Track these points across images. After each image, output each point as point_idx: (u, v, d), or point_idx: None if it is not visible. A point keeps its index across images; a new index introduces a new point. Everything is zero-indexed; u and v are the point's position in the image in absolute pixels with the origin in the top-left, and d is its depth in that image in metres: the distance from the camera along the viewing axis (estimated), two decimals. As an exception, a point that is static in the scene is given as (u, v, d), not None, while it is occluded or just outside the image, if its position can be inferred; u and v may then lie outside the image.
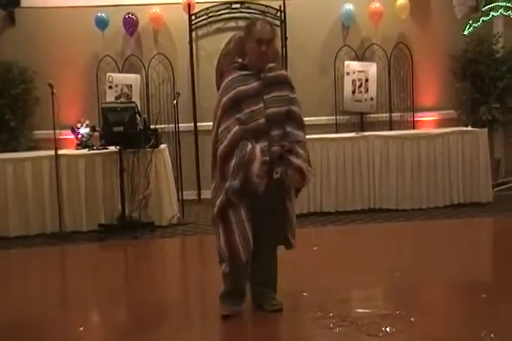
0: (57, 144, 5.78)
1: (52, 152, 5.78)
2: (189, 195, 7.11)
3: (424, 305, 3.67)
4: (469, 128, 6.64)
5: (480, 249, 5.00)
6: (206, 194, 7.41)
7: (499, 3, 7.05)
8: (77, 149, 6.28)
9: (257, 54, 3.31)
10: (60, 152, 5.87)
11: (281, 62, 3.28)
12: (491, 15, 6.99)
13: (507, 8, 6.95)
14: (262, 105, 3.30)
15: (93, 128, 6.35)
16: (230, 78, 3.35)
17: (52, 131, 5.74)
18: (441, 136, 6.37)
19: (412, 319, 3.33)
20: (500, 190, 6.88)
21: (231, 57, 3.42)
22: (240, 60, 3.39)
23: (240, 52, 3.38)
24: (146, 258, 5.20)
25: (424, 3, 7.54)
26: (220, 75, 3.42)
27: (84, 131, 6.40)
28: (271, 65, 3.41)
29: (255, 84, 3.32)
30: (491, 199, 6.38)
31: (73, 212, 5.88)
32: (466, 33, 7.13)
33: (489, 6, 6.93)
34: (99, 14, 7.12)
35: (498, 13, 6.98)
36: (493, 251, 5.16)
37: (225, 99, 3.31)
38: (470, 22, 7.00)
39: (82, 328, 3.48)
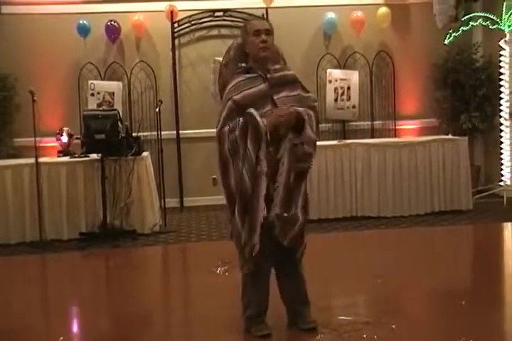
0: (38, 152, 5.74)
1: (32, 160, 5.73)
2: (171, 202, 7.10)
3: (405, 312, 3.69)
4: (450, 136, 6.72)
5: (460, 256, 5.04)
6: (189, 202, 7.42)
7: (478, 13, 7.16)
8: (58, 157, 6.24)
9: (257, 45, 3.17)
10: (41, 160, 5.82)
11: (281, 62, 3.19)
12: (470, 25, 7.10)
13: (485, 19, 7.05)
14: (270, 107, 3.16)
15: (74, 136, 6.31)
16: (235, 82, 3.21)
17: (33, 139, 5.70)
18: (422, 144, 6.43)
19: (393, 326, 3.34)
20: (480, 198, 6.95)
21: (234, 65, 3.30)
22: (243, 65, 3.27)
23: (242, 57, 3.28)
24: (127, 266, 5.16)
25: (405, 13, 7.63)
26: (223, 86, 3.28)
27: (66, 138, 6.37)
28: (276, 66, 3.29)
29: (262, 86, 3.20)
30: (471, 206, 6.45)
31: (54, 220, 5.82)
32: (446, 42, 7.22)
33: (468, 16, 7.03)
34: (80, 21, 7.10)
35: (477, 23, 7.09)
36: (472, 258, 5.20)
37: (229, 103, 3.16)
38: (450, 31, 7.10)
39: (62, 338, 3.44)
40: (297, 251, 3.29)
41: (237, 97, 3.17)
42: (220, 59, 7.70)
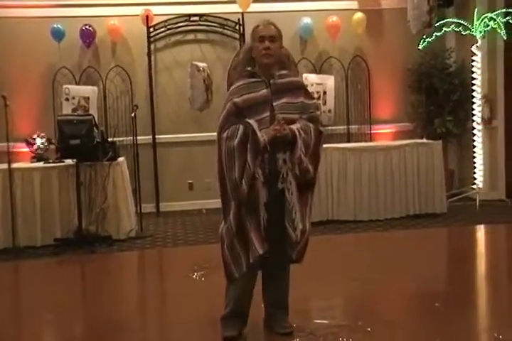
0: (10, 157, 5.66)
1: (5, 165, 5.65)
2: (148, 207, 7.05)
3: (381, 314, 3.71)
4: (424, 140, 6.79)
5: (435, 259, 5.09)
6: (165, 207, 7.38)
7: (451, 19, 7.27)
8: (32, 162, 6.17)
9: (261, 51, 3.17)
10: (14, 165, 5.75)
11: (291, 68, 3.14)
12: (443, 31, 7.20)
13: (458, 24, 7.16)
14: (268, 113, 3.16)
15: (49, 141, 6.25)
16: (236, 85, 3.22)
17: (5, 144, 5.62)
18: (397, 148, 6.49)
19: (369, 329, 3.36)
20: (454, 201, 7.03)
21: (241, 68, 3.30)
22: (249, 69, 3.27)
23: (250, 61, 3.27)
24: (103, 272, 5.11)
25: (380, 18, 7.72)
26: (230, 87, 3.32)
27: (39, 142, 6.30)
28: (283, 72, 3.27)
29: (264, 91, 3.19)
30: (445, 210, 6.52)
31: (27, 227, 5.74)
32: (420, 47, 7.32)
33: (441, 21, 7.14)
34: (55, 25, 7.04)
35: (449, 29, 7.19)
36: (447, 260, 5.26)
37: (229, 104, 3.17)
38: (424, 37, 7.19)
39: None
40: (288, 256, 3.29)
41: (237, 100, 3.18)
42: (198, 63, 7.74)
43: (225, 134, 3.14)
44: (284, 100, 3.21)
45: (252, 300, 3.31)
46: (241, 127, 3.12)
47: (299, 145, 3.17)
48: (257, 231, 3.13)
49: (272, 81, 3.23)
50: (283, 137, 3.14)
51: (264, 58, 3.20)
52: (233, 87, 3.25)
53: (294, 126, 3.19)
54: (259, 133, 3.11)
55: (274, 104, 3.19)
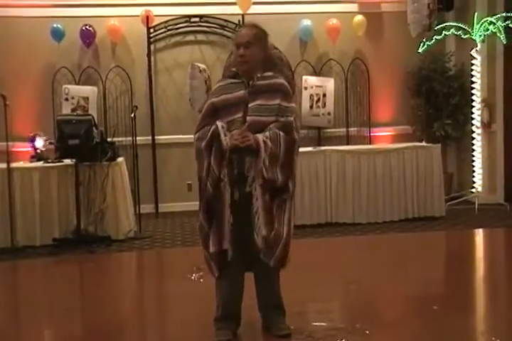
0: (10, 157, 5.66)
1: (4, 165, 5.65)
2: (146, 208, 7.06)
3: (379, 317, 3.71)
4: (423, 143, 6.80)
5: (433, 262, 5.09)
6: (163, 207, 7.39)
7: (450, 23, 7.29)
8: (31, 162, 6.16)
9: (235, 58, 3.22)
10: (13, 165, 5.75)
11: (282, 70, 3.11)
12: (443, 35, 7.22)
13: (458, 28, 7.18)
14: (240, 115, 3.16)
15: (48, 141, 6.25)
16: (217, 85, 3.30)
17: (5, 143, 5.61)
18: (396, 151, 6.50)
19: (367, 331, 3.36)
20: (452, 204, 7.04)
21: (231, 68, 3.34)
22: (233, 69, 3.30)
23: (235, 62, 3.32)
24: (102, 273, 5.10)
25: (380, 21, 7.73)
26: None
27: (39, 142, 6.30)
28: (268, 73, 3.27)
29: (241, 92, 3.20)
30: (444, 213, 6.53)
31: (26, 226, 5.74)
32: (420, 50, 7.33)
33: (441, 25, 7.15)
34: (55, 25, 7.04)
35: (449, 33, 7.21)
36: (445, 264, 5.26)
37: (208, 104, 3.24)
38: (424, 40, 7.21)
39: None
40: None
41: (215, 100, 3.22)
42: (199, 64, 7.74)
43: (197, 135, 3.21)
44: (258, 102, 3.19)
45: (241, 302, 3.30)
46: (212, 128, 3.16)
47: (262, 158, 3.12)
48: (215, 231, 3.17)
49: (251, 82, 3.23)
50: (246, 147, 3.12)
51: (239, 65, 3.24)
52: (214, 87, 3.32)
53: (260, 136, 3.14)
54: (222, 137, 3.13)
55: (249, 105, 3.19)
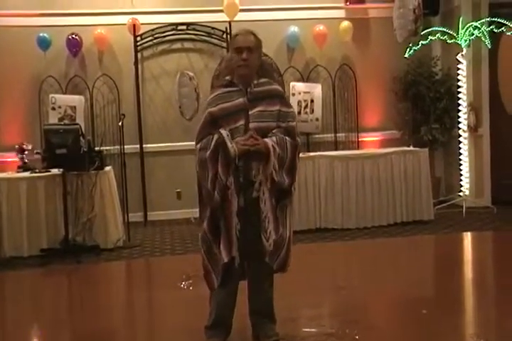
0: (-4, 167, 5.63)
1: (-9, 175, 5.62)
2: (135, 217, 7.02)
3: (368, 322, 3.71)
4: (411, 148, 6.82)
5: (422, 266, 5.10)
6: (152, 216, 7.36)
7: (436, 28, 7.34)
8: (18, 172, 6.12)
9: (237, 62, 3.18)
10: (0, 175, 5.71)
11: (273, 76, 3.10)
12: (429, 39, 7.27)
13: (443, 33, 7.23)
14: (243, 122, 3.15)
15: (35, 151, 6.21)
16: (213, 95, 3.25)
17: (-9, 154, 5.59)
18: (384, 155, 6.52)
19: (357, 337, 3.36)
20: (441, 208, 7.07)
21: (222, 77, 3.32)
22: (227, 78, 3.28)
23: (229, 70, 3.29)
24: (91, 282, 5.07)
25: (367, 27, 7.77)
26: None
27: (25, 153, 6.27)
28: (262, 80, 3.27)
29: (240, 100, 3.19)
30: (432, 217, 6.55)
31: (14, 237, 5.69)
32: (406, 55, 7.37)
33: (427, 30, 7.20)
34: (41, 34, 7.02)
35: (435, 38, 7.26)
36: (434, 267, 5.28)
37: (205, 115, 3.19)
38: (410, 45, 7.25)
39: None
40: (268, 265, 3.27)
41: (213, 109, 3.19)
42: (188, 72, 7.73)
43: (199, 145, 3.17)
44: (259, 108, 3.20)
45: (234, 310, 3.29)
46: (214, 137, 3.14)
47: (272, 162, 3.14)
48: (225, 239, 3.14)
49: (248, 89, 3.23)
50: (255, 150, 3.13)
51: (241, 69, 3.21)
52: (210, 96, 3.27)
53: (269, 141, 3.16)
54: (229, 145, 3.11)
55: (250, 112, 3.18)
